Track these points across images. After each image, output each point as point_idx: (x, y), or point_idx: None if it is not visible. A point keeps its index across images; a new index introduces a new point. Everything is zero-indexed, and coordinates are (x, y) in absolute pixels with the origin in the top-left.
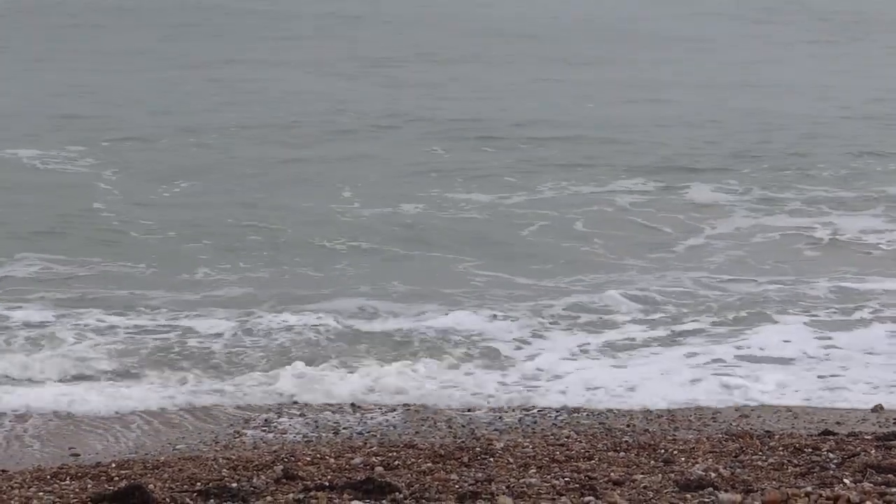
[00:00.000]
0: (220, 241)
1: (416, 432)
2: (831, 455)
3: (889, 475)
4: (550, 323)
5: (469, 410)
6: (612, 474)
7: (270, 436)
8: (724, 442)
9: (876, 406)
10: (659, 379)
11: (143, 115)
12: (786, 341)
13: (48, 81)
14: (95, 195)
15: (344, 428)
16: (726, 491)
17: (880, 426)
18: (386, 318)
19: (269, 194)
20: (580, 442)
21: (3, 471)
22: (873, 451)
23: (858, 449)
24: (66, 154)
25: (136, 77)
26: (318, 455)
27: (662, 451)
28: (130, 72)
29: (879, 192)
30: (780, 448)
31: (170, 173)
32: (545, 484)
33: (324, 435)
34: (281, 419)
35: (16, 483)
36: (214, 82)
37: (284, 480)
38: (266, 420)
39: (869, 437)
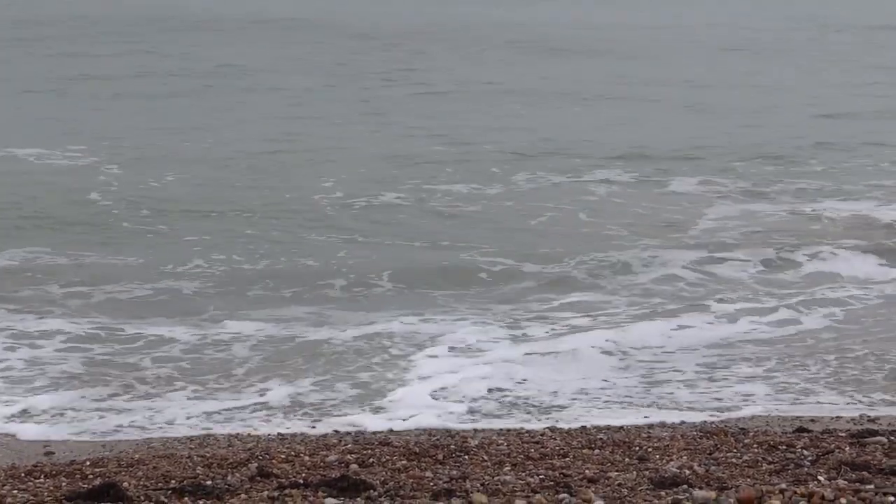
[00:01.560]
0: (214, 238)
1: (391, 430)
2: (806, 452)
3: (863, 472)
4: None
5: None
6: (586, 471)
7: (245, 433)
8: (698, 439)
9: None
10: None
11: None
12: (593, 346)
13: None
14: (92, 187)
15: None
16: (701, 488)
17: (855, 423)
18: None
19: (265, 192)
20: (555, 439)
21: None
22: (848, 448)
23: (833, 446)
24: (67, 152)
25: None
26: (293, 452)
27: (637, 448)
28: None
29: (872, 185)
30: (755, 445)
31: (167, 168)
32: (520, 481)
33: (298, 432)
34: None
35: None
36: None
37: (259, 478)
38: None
39: (843, 435)
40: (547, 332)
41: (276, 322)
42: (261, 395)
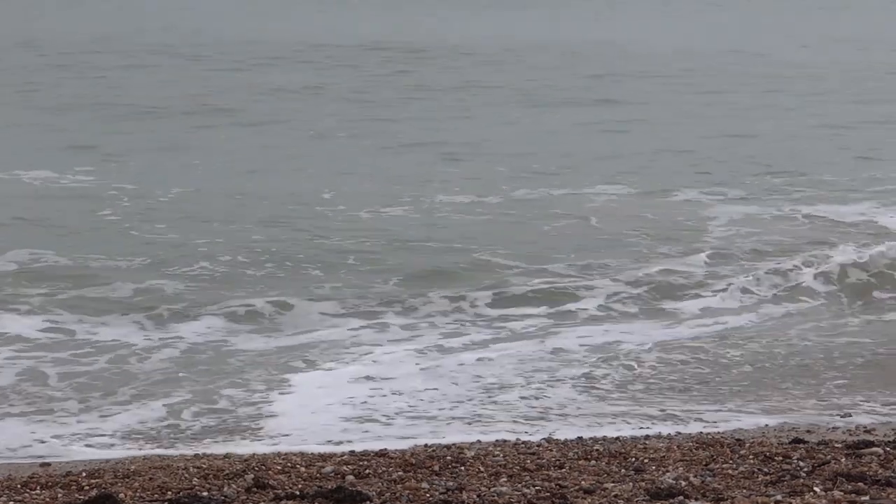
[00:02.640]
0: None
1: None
2: (802, 463)
3: (859, 483)
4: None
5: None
6: (582, 482)
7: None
8: (694, 450)
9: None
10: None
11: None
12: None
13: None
14: (102, 201)
15: None
16: (697, 499)
17: (850, 434)
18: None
19: (268, 203)
20: (551, 450)
21: None
22: (843, 459)
23: (829, 457)
24: (75, 173)
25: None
26: (289, 463)
27: (633, 459)
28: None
29: (870, 193)
30: (751, 456)
31: (175, 184)
32: (516, 492)
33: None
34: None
35: None
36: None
37: (255, 489)
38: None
39: (839, 446)
40: (482, 341)
41: (227, 331)
42: (102, 419)
